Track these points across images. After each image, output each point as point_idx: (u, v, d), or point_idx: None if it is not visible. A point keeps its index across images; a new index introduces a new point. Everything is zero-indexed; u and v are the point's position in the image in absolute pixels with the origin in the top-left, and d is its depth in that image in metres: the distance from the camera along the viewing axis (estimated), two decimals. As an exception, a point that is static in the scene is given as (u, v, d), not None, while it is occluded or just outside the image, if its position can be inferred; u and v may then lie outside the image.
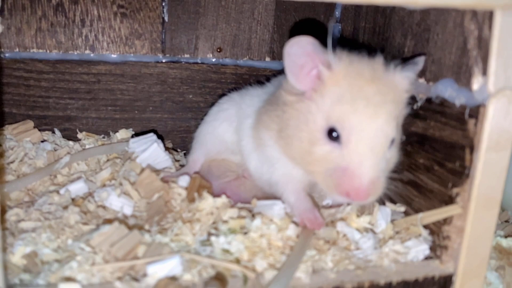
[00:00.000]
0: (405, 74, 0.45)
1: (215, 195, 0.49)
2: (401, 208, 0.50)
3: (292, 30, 0.70)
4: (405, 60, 0.47)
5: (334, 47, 0.43)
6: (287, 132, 0.46)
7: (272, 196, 0.50)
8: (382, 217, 0.47)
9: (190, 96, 0.70)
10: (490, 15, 0.37)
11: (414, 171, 0.48)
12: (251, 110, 0.54)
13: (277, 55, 0.70)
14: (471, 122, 0.39)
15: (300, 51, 0.43)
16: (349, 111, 0.41)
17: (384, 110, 0.42)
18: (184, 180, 0.52)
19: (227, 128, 0.58)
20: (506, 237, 0.58)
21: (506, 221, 0.67)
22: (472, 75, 0.39)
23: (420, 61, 0.47)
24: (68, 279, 0.36)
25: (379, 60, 0.45)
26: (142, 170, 0.51)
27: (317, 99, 0.43)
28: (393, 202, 0.50)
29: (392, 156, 0.45)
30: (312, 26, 0.70)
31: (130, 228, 0.42)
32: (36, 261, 0.40)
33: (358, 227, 0.46)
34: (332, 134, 0.42)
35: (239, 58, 0.70)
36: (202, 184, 0.53)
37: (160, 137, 0.58)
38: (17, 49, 0.63)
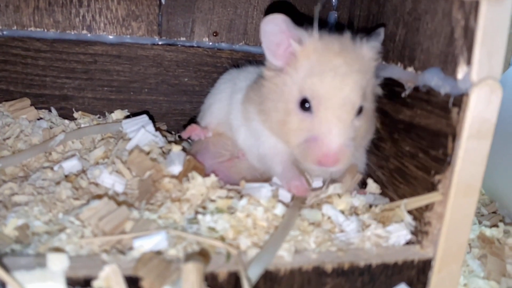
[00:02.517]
0: (370, 44, 0.49)
1: (207, 174, 0.50)
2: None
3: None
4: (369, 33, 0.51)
5: (306, 25, 0.48)
6: (266, 105, 0.49)
7: (261, 179, 0.51)
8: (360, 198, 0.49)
9: (186, 79, 0.70)
10: (476, 5, 0.38)
11: (400, 158, 0.49)
12: (243, 85, 0.57)
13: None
14: (454, 111, 0.40)
15: (275, 28, 0.47)
16: (318, 82, 0.45)
17: (350, 80, 0.45)
18: (175, 169, 0.52)
19: (225, 100, 0.60)
20: (491, 227, 0.59)
21: (494, 212, 0.68)
22: (458, 64, 0.40)
23: (381, 31, 0.52)
24: (57, 250, 0.37)
25: (346, 35, 0.49)
26: (132, 150, 0.52)
27: (291, 72, 0.47)
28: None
29: (361, 124, 0.47)
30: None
31: (120, 204, 0.44)
32: (28, 233, 0.41)
33: (343, 209, 0.47)
34: (304, 105, 0.46)
35: (235, 43, 0.70)
36: (196, 165, 0.54)
37: (151, 118, 0.59)
38: (15, 27, 0.64)
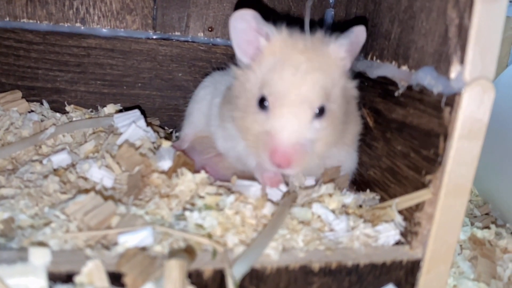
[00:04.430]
0: (340, 42, 0.47)
1: (196, 171, 0.50)
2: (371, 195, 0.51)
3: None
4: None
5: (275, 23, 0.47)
6: (233, 103, 0.48)
7: (251, 175, 0.51)
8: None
9: (180, 74, 0.70)
10: (471, 3, 0.37)
11: (392, 157, 0.49)
12: (223, 88, 0.56)
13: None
14: (446, 110, 0.40)
15: (245, 25, 0.46)
16: (277, 78, 0.44)
17: (309, 77, 0.43)
18: (165, 164, 0.52)
19: (207, 106, 0.59)
20: (483, 228, 0.59)
21: (487, 214, 0.68)
22: (451, 63, 0.40)
23: (358, 30, 0.47)
24: (41, 244, 0.37)
25: (317, 33, 0.47)
26: (121, 144, 0.52)
27: (255, 68, 0.46)
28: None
29: (324, 127, 0.45)
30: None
31: (107, 199, 0.43)
32: (13, 226, 0.41)
33: (334, 208, 0.47)
34: (263, 103, 0.44)
35: (230, 38, 0.70)
36: (186, 161, 0.53)
37: (143, 113, 0.58)
38: (8, 18, 0.63)
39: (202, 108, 0.60)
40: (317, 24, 0.49)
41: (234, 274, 0.36)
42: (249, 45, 0.47)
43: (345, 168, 0.53)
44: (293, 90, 0.43)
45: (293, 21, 0.48)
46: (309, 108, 0.43)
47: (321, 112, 0.44)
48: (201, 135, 0.61)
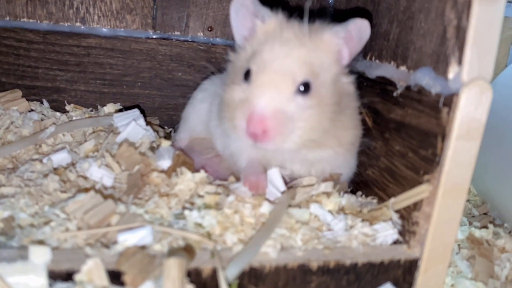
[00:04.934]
0: (335, 30, 0.47)
1: (196, 171, 0.50)
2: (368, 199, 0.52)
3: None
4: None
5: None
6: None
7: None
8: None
9: (179, 74, 0.70)
10: (469, 4, 0.37)
11: (390, 157, 0.49)
12: (221, 91, 0.55)
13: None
14: (444, 111, 0.40)
15: (243, 9, 0.48)
16: (263, 50, 0.44)
17: (296, 51, 0.44)
18: (165, 163, 0.52)
19: (206, 109, 0.59)
20: (481, 228, 0.59)
21: (485, 214, 0.68)
22: (449, 64, 0.40)
23: (362, 24, 0.47)
24: (41, 243, 0.37)
25: (314, 22, 0.48)
26: (121, 144, 0.52)
27: (246, 46, 0.48)
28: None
29: (308, 106, 0.43)
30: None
31: (106, 198, 0.43)
32: (13, 225, 0.41)
33: (331, 209, 0.47)
34: (248, 75, 0.44)
35: (230, 38, 0.70)
36: (185, 161, 0.53)
37: (143, 112, 0.58)
38: (8, 18, 0.63)
39: (200, 111, 0.60)
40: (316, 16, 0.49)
41: (230, 273, 0.36)
42: (246, 28, 0.49)
43: (341, 173, 0.53)
44: (276, 60, 0.43)
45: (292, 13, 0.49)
46: (291, 80, 0.43)
47: (306, 89, 0.43)
48: (199, 137, 0.61)
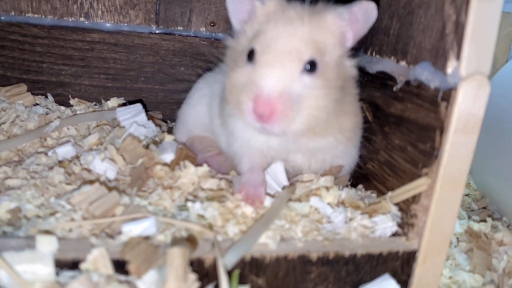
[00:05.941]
0: (339, 11, 0.46)
1: (198, 165, 0.51)
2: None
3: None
4: None
5: None
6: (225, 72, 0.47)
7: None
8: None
9: (182, 68, 0.71)
10: (467, 0, 0.38)
11: (390, 151, 0.50)
12: (218, 89, 0.55)
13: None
14: (443, 105, 0.41)
15: None
16: (267, 30, 0.43)
17: (300, 30, 0.42)
18: (168, 157, 0.53)
19: (203, 109, 0.59)
20: (479, 222, 0.60)
21: (484, 208, 0.69)
22: (448, 59, 0.40)
23: (368, 6, 0.46)
24: (47, 233, 0.38)
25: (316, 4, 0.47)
26: (125, 137, 0.53)
27: (246, 30, 0.46)
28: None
29: (315, 85, 0.42)
30: None
31: (111, 190, 0.44)
32: (20, 216, 0.42)
33: (331, 202, 0.48)
34: (252, 55, 0.43)
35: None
36: (188, 155, 0.54)
37: (145, 106, 0.59)
38: (13, 13, 0.64)
39: (198, 111, 0.60)
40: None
41: (228, 261, 0.37)
42: (245, 11, 0.47)
43: (343, 164, 0.52)
44: (281, 39, 0.42)
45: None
46: (298, 59, 0.41)
47: (312, 67, 0.42)
48: (199, 135, 0.60)
